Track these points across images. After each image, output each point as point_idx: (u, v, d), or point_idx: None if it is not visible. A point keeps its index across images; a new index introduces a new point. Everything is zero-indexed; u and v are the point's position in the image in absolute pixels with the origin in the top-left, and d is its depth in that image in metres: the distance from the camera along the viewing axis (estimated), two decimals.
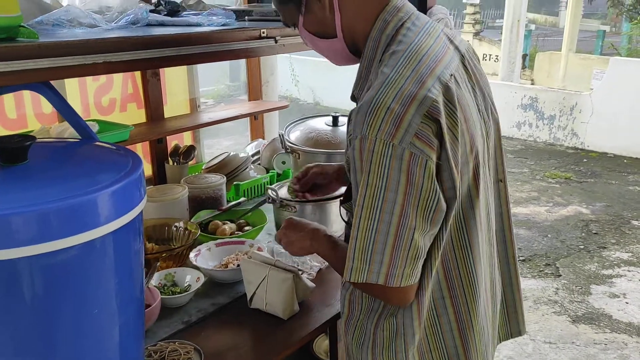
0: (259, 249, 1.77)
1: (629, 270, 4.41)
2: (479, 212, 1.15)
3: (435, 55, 1.09)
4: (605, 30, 16.08)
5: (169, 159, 2.47)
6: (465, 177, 1.10)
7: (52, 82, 1.20)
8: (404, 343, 1.16)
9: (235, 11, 1.77)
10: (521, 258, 4.60)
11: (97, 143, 1.19)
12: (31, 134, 1.94)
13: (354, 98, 1.25)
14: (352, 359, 1.27)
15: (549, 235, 5.04)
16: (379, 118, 0.98)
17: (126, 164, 1.05)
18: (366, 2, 1.15)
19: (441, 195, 1.03)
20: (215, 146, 7.12)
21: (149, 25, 1.53)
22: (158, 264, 1.64)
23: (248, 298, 1.58)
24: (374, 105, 0.99)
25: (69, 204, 0.92)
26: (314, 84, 11.51)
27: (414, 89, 1.01)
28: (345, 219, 1.40)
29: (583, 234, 5.08)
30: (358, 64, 1.25)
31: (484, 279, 1.21)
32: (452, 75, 1.08)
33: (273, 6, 2.02)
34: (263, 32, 1.51)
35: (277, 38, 1.55)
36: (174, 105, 2.56)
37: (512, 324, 1.42)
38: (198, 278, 1.65)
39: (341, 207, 1.35)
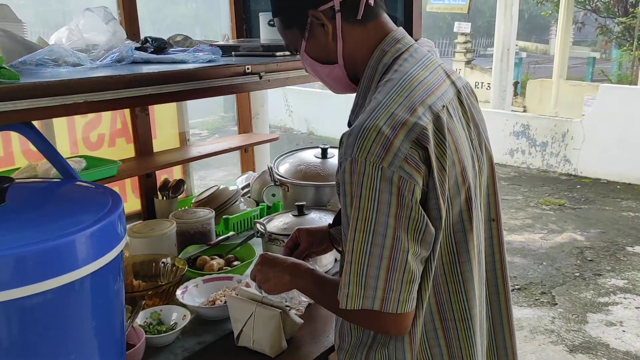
0: (247, 285, 1.75)
1: (624, 298, 4.38)
2: (472, 247, 1.14)
3: (429, 86, 1.12)
4: (595, 57, 16.29)
5: (158, 193, 2.46)
6: (457, 209, 1.10)
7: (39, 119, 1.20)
8: None
9: (222, 47, 1.78)
10: (516, 287, 4.57)
11: (78, 182, 1.19)
12: (18, 171, 1.93)
13: (350, 125, 1.26)
14: None
15: (544, 263, 5.02)
16: (369, 141, 1.00)
17: (105, 203, 1.04)
18: (367, 32, 1.18)
19: (428, 221, 1.03)
20: (208, 177, 7.12)
21: (134, 63, 1.54)
22: (144, 302, 1.61)
23: (235, 336, 1.56)
24: (365, 129, 1.01)
25: (46, 247, 0.91)
26: (307, 114, 11.58)
27: (405, 115, 1.03)
28: (336, 245, 1.37)
29: (578, 261, 5.06)
30: (354, 93, 1.27)
31: (478, 313, 1.20)
32: (444, 106, 1.10)
33: (261, 40, 2.05)
34: (248, 68, 1.52)
35: (262, 74, 1.56)
36: (163, 139, 2.56)
37: (501, 357, 1.39)
38: (184, 316, 1.63)
39: (330, 232, 1.35)
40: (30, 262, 0.90)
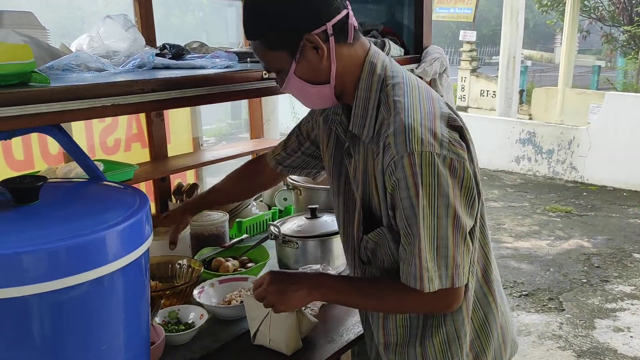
0: None
1: (632, 304, 4.39)
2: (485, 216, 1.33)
3: (424, 85, 1.29)
4: (600, 66, 16.30)
5: (172, 197, 2.50)
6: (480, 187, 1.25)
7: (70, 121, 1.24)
8: (458, 347, 1.27)
9: (237, 53, 1.83)
10: (524, 292, 4.58)
11: (105, 182, 1.23)
12: (38, 174, 1.98)
13: (354, 136, 1.29)
14: None
15: (551, 269, 5.03)
16: (417, 134, 1.12)
17: (133, 202, 1.08)
18: (355, 51, 1.26)
19: (476, 194, 1.17)
20: None
21: (154, 68, 1.59)
22: (162, 301, 1.65)
23: (251, 334, 1.59)
24: (409, 126, 1.13)
25: (78, 242, 0.95)
26: None
27: (431, 107, 1.18)
28: (370, 251, 1.32)
29: (585, 268, 5.07)
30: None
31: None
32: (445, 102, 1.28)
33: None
34: (265, 74, 1.56)
35: None
36: (177, 144, 2.61)
37: None
38: (202, 315, 1.66)
39: (365, 238, 1.31)
40: (64, 256, 0.93)
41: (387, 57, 1.31)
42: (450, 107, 1.26)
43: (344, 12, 1.21)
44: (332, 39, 1.20)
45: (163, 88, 1.30)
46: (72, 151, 1.25)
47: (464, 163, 1.13)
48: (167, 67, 1.63)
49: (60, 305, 0.96)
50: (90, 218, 1.03)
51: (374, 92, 1.24)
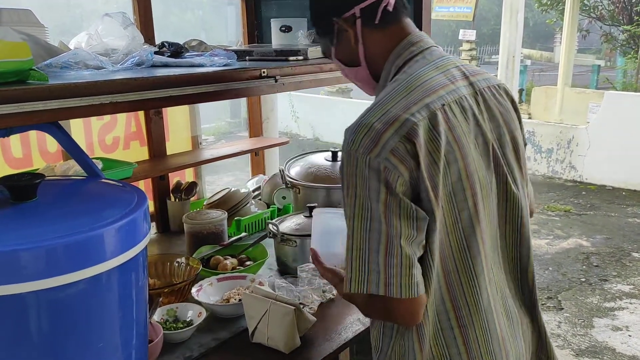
0: (260, 283, 1.79)
1: (630, 303, 4.39)
2: (481, 240, 1.17)
3: (433, 86, 1.16)
4: (600, 65, 16.29)
5: (171, 195, 2.50)
6: (463, 204, 1.13)
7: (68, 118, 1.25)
8: None
9: (236, 52, 1.83)
10: None
11: (103, 180, 1.23)
12: (36, 172, 1.98)
13: None
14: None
15: (550, 268, 5.04)
16: (361, 135, 1.08)
17: (131, 200, 1.09)
18: (386, 36, 1.25)
19: (417, 207, 1.07)
20: (216, 182, 7.16)
21: (153, 66, 1.59)
22: (160, 299, 1.66)
23: (250, 332, 1.59)
24: (360, 125, 1.10)
25: (76, 239, 0.95)
26: (313, 120, 11.64)
27: (399, 113, 1.09)
28: None
29: (584, 267, 5.08)
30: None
31: (494, 308, 1.21)
32: (445, 105, 1.14)
33: (273, 46, 2.09)
34: (263, 72, 1.57)
35: (277, 77, 1.60)
36: (176, 142, 2.61)
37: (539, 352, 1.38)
38: (200, 313, 1.67)
39: None
40: (61, 254, 0.94)
41: (425, 49, 1.24)
42: (439, 120, 1.12)
43: None
44: (359, 21, 1.23)
45: (161, 86, 1.31)
46: (70, 149, 1.25)
47: (398, 177, 1.05)
48: (166, 65, 1.63)
49: (57, 302, 0.96)
50: (88, 216, 1.04)
51: (388, 83, 1.24)
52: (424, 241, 1.10)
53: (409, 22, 1.27)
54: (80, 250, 0.96)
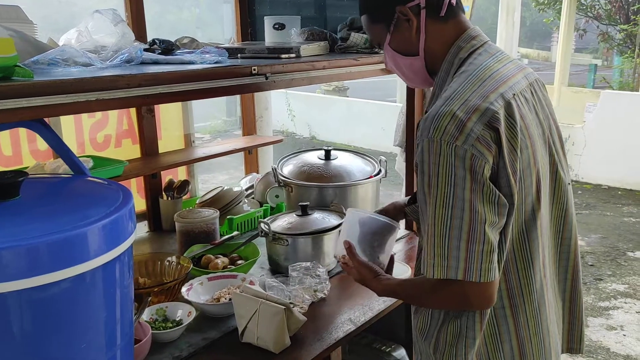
0: (251, 282, 1.77)
1: (625, 302, 4.39)
2: (540, 224, 1.22)
3: (502, 76, 1.20)
4: (597, 64, 16.31)
5: (163, 193, 2.49)
6: (529, 189, 1.18)
7: (48, 118, 1.23)
8: (465, 347, 1.23)
9: (228, 49, 1.81)
10: None
11: (89, 178, 1.21)
12: (26, 170, 1.96)
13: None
14: (416, 347, 1.36)
15: None
16: (444, 123, 1.09)
17: (116, 198, 1.07)
18: (447, 28, 1.27)
19: (500, 194, 1.11)
20: (210, 180, 7.14)
21: (143, 63, 1.57)
22: (149, 298, 1.64)
23: (239, 332, 1.58)
24: (441, 113, 1.11)
25: (59, 238, 0.93)
26: (309, 118, 11.61)
27: (478, 102, 1.12)
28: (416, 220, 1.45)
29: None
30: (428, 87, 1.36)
31: (546, 292, 1.27)
32: (515, 94, 1.19)
33: (266, 43, 2.08)
34: (254, 69, 1.55)
35: (268, 75, 1.58)
36: (168, 140, 2.59)
37: (570, 339, 1.45)
38: (190, 312, 1.65)
39: (406, 211, 1.44)
40: (44, 252, 0.92)
41: (485, 43, 1.28)
42: (514, 108, 1.16)
43: None
44: (423, 12, 1.25)
45: (149, 83, 1.29)
46: (56, 146, 1.23)
47: (484, 164, 1.08)
48: (156, 62, 1.61)
49: (40, 302, 0.94)
50: (71, 214, 1.02)
51: (451, 75, 1.25)
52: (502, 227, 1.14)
53: (464, 16, 1.30)
54: (64, 249, 0.94)
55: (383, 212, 1.65)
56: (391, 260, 1.46)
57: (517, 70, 1.28)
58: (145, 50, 1.69)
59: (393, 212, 1.65)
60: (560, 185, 1.32)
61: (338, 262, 1.49)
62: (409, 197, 1.59)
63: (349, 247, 1.39)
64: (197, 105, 2.75)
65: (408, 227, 2.44)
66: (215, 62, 1.61)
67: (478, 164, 1.08)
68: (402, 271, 1.95)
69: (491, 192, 1.09)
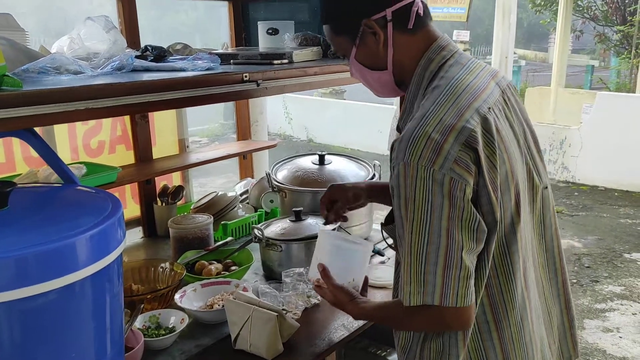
0: (244, 289, 1.77)
1: (621, 304, 4.40)
2: (520, 236, 1.20)
3: (475, 90, 1.17)
4: (594, 65, 16.34)
5: (158, 199, 2.49)
6: (508, 204, 1.16)
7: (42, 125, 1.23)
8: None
9: (220, 55, 1.81)
10: None
11: (78, 187, 1.21)
12: (19, 177, 1.96)
13: (399, 129, 1.31)
14: None
15: None
16: (420, 146, 1.06)
17: (105, 207, 1.07)
18: (415, 40, 1.24)
19: (480, 218, 1.09)
20: (208, 185, 7.13)
21: (134, 71, 1.57)
22: (142, 306, 1.64)
23: (232, 339, 1.58)
24: (416, 135, 1.07)
25: (47, 249, 0.94)
26: (307, 121, 11.62)
27: (453, 121, 1.08)
28: (389, 242, 1.43)
29: (576, 268, 5.08)
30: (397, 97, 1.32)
31: (528, 304, 1.25)
32: (490, 108, 1.16)
33: (259, 49, 2.08)
34: (245, 76, 1.55)
35: (259, 81, 1.59)
36: (162, 146, 2.59)
37: (562, 347, 1.42)
38: (182, 319, 1.65)
39: (383, 230, 1.40)
40: (32, 263, 0.92)
41: (455, 53, 1.24)
42: (491, 123, 1.13)
43: (409, 0, 1.21)
44: (390, 25, 1.21)
45: (139, 91, 1.29)
46: (46, 155, 1.24)
47: (465, 186, 1.05)
48: (147, 70, 1.61)
49: (28, 312, 0.94)
50: (60, 224, 1.02)
51: (422, 89, 1.22)
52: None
53: (433, 26, 1.27)
54: (52, 260, 0.94)
55: (357, 188, 1.64)
56: (365, 281, 1.45)
57: (489, 78, 1.25)
58: (137, 57, 1.69)
59: (348, 192, 1.62)
60: (536, 191, 1.30)
61: (312, 286, 1.46)
62: (386, 215, 1.50)
63: (323, 270, 1.36)
64: (194, 109, 2.74)
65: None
66: (207, 69, 1.61)
67: (458, 187, 1.05)
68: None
69: (471, 217, 1.07)
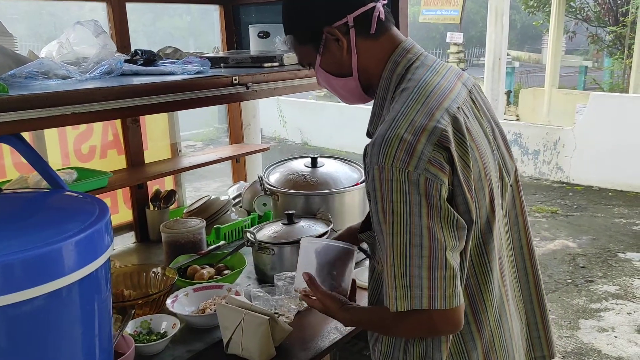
0: (237, 293, 1.76)
1: (616, 304, 4.40)
2: (495, 234, 1.20)
3: (443, 90, 1.17)
4: (587, 66, 16.41)
5: (150, 204, 2.48)
6: (482, 202, 1.15)
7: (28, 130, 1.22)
8: None
9: (211, 59, 1.81)
10: None
11: (66, 192, 1.21)
12: (9, 183, 1.95)
13: (369, 134, 1.30)
14: None
15: None
16: (393, 148, 1.05)
17: (92, 212, 1.06)
18: (379, 45, 1.23)
19: (458, 216, 1.08)
20: (203, 189, 7.12)
21: (123, 75, 1.57)
22: (134, 311, 1.63)
23: (224, 343, 1.57)
24: (388, 137, 1.06)
25: (33, 254, 0.93)
26: (301, 124, 11.63)
27: (424, 121, 1.08)
28: (365, 249, 1.42)
29: (570, 268, 5.09)
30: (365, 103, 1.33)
31: (505, 301, 1.25)
32: (459, 107, 1.16)
33: (250, 52, 2.07)
34: (235, 79, 1.55)
35: (249, 84, 1.58)
36: (154, 150, 2.58)
37: (535, 348, 1.41)
38: (174, 324, 1.64)
39: (359, 236, 1.39)
40: (18, 269, 0.91)
41: (420, 55, 1.24)
42: (461, 122, 1.13)
43: (369, 5, 1.20)
44: (352, 31, 1.20)
45: (127, 95, 1.29)
46: (33, 160, 1.23)
47: (440, 186, 1.05)
48: (136, 74, 1.61)
49: (15, 319, 0.94)
50: (46, 230, 1.01)
51: (390, 92, 1.21)
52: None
53: (395, 29, 1.26)
54: (38, 266, 0.93)
55: (338, 238, 1.58)
56: (353, 284, 1.44)
57: (455, 78, 1.25)
58: (127, 61, 1.68)
59: (348, 237, 1.57)
60: (505, 189, 1.29)
61: (299, 296, 1.44)
62: (361, 222, 1.50)
63: (309, 278, 1.35)
64: (188, 113, 2.73)
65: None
66: (197, 72, 1.61)
67: (434, 187, 1.04)
68: None
69: (449, 215, 1.06)
